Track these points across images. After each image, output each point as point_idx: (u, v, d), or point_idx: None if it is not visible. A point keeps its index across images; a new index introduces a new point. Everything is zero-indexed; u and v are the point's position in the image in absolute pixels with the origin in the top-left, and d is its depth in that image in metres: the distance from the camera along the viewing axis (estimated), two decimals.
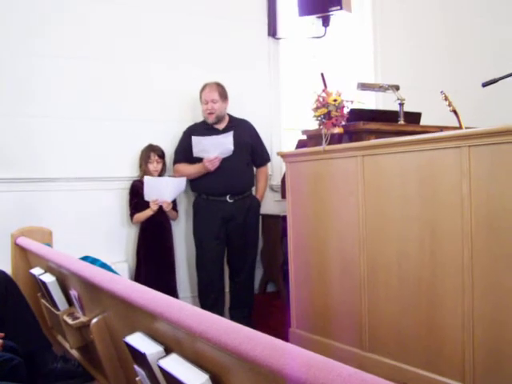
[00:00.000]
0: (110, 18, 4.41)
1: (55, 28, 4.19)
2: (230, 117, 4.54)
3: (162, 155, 4.42)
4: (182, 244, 4.68)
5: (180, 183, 4.31)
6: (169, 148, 4.52)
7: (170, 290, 4.26)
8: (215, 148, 4.23)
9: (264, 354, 1.15)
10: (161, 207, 4.26)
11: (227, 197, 4.34)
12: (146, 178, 4.22)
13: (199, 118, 4.56)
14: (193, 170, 4.38)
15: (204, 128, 4.42)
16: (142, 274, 4.28)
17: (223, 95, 4.43)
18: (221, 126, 4.42)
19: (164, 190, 4.23)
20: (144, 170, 4.37)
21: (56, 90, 4.20)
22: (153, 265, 4.29)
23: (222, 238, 4.41)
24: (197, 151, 4.28)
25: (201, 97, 4.44)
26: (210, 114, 4.39)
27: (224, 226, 4.38)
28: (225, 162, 4.28)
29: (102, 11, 4.37)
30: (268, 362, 1.13)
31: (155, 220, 4.30)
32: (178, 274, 4.49)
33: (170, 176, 4.49)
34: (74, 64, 4.26)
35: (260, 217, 4.68)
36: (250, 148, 4.51)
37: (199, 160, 4.30)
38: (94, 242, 4.26)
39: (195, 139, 4.27)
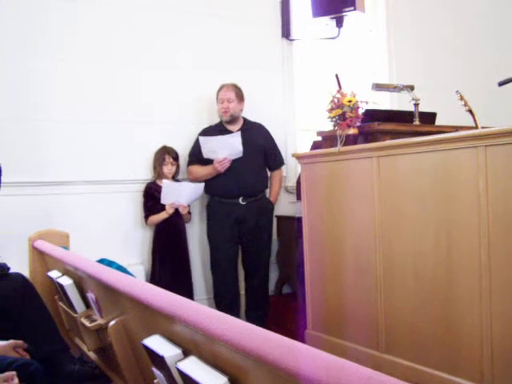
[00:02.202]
0: (125, 21, 4.44)
1: (69, 31, 4.24)
2: (245, 120, 4.55)
3: (176, 157, 4.43)
4: (197, 246, 4.69)
5: (198, 188, 4.32)
6: (184, 150, 4.53)
7: (186, 291, 4.28)
8: (224, 149, 4.24)
9: (282, 357, 1.15)
10: (176, 210, 4.27)
11: (240, 199, 4.35)
12: (165, 182, 4.23)
13: (214, 121, 4.58)
14: (204, 171, 4.39)
15: (218, 130, 4.43)
16: (157, 276, 4.29)
17: (239, 96, 4.45)
18: (235, 128, 4.43)
19: (182, 194, 4.24)
20: (158, 172, 4.38)
21: (71, 94, 4.23)
22: (168, 266, 4.31)
23: (235, 240, 4.42)
24: (206, 152, 4.29)
25: (217, 96, 4.46)
26: (225, 112, 4.40)
27: (237, 227, 4.39)
28: (237, 164, 4.29)
29: (116, 14, 4.40)
30: (286, 365, 1.13)
31: (170, 222, 4.32)
32: (193, 276, 4.50)
33: (184, 179, 4.51)
34: (89, 67, 4.30)
35: (275, 218, 4.69)
36: (263, 151, 4.52)
37: (212, 162, 4.31)
38: (110, 244, 4.28)
39: (202, 139, 4.29)
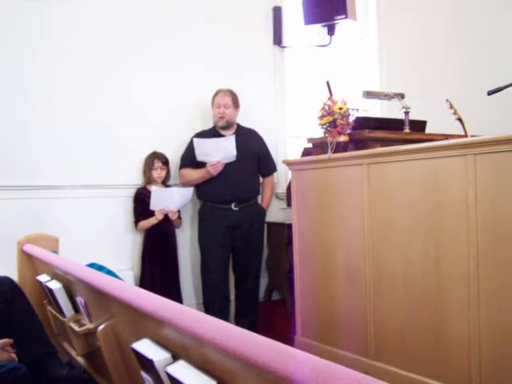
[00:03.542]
0: (119, 26, 4.45)
1: (67, 35, 4.24)
2: (238, 125, 4.56)
3: (165, 162, 4.43)
4: (187, 251, 4.68)
5: (186, 193, 4.32)
6: (176, 155, 4.54)
7: (175, 296, 4.27)
8: (217, 152, 4.23)
9: (272, 360, 1.15)
10: (166, 215, 4.27)
11: (232, 205, 4.34)
12: (153, 189, 4.23)
13: (207, 126, 4.60)
14: (197, 175, 4.38)
15: (211, 134, 4.43)
16: (146, 281, 4.29)
17: (235, 102, 4.46)
18: (228, 133, 4.42)
19: (170, 200, 4.24)
20: (148, 176, 4.39)
21: (64, 98, 4.23)
22: (157, 272, 4.30)
23: (227, 246, 4.41)
24: (199, 154, 4.29)
25: (213, 101, 4.47)
26: (221, 117, 4.41)
27: (229, 233, 4.38)
28: (231, 169, 4.28)
29: (109, 19, 4.41)
30: (276, 368, 1.12)
31: (160, 227, 4.31)
32: (182, 281, 4.50)
33: (175, 184, 4.51)
34: (83, 72, 4.30)
35: (265, 225, 4.69)
36: (256, 157, 4.52)
37: (204, 166, 4.31)
38: (100, 249, 4.26)
39: (196, 141, 4.29)
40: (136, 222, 4.37)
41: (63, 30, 4.25)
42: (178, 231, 4.51)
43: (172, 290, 4.31)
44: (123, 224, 4.46)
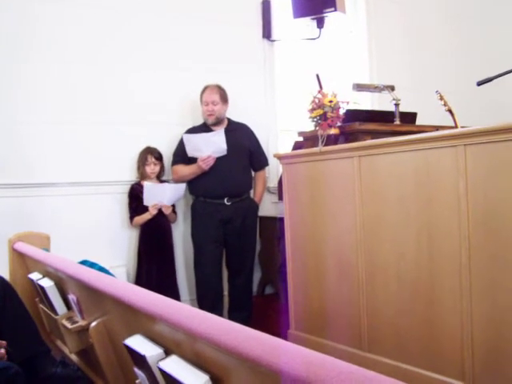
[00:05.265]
0: (110, 22, 4.42)
1: (63, 31, 4.22)
2: (229, 120, 4.55)
3: (159, 157, 4.42)
4: (180, 246, 4.68)
5: (179, 189, 4.32)
6: (168, 151, 4.52)
7: (172, 291, 4.29)
8: (207, 147, 4.23)
9: (264, 354, 1.15)
10: (160, 210, 4.26)
11: (225, 199, 4.34)
12: (146, 184, 4.22)
13: (198, 121, 4.58)
14: (189, 170, 4.37)
15: (202, 130, 4.42)
16: (143, 277, 4.28)
17: (224, 98, 4.44)
18: (219, 129, 4.41)
19: (163, 195, 4.24)
20: (142, 172, 4.38)
21: (53, 95, 4.20)
22: (154, 266, 4.29)
23: (220, 241, 4.41)
24: (189, 150, 4.29)
25: (201, 98, 4.45)
26: (210, 115, 4.40)
27: (222, 228, 4.38)
28: (222, 164, 4.28)
29: (103, 17, 4.39)
30: (268, 361, 1.13)
31: (155, 222, 4.31)
32: (178, 277, 4.50)
33: (169, 179, 4.50)
34: (73, 68, 4.27)
35: (257, 219, 4.69)
36: (248, 151, 4.52)
37: (196, 161, 4.30)
38: (93, 246, 4.25)
39: (186, 137, 4.28)
40: (131, 218, 4.37)
41: (56, 27, 4.22)
42: (173, 226, 4.50)
43: (169, 286, 4.32)
44: (118, 220, 4.45)
